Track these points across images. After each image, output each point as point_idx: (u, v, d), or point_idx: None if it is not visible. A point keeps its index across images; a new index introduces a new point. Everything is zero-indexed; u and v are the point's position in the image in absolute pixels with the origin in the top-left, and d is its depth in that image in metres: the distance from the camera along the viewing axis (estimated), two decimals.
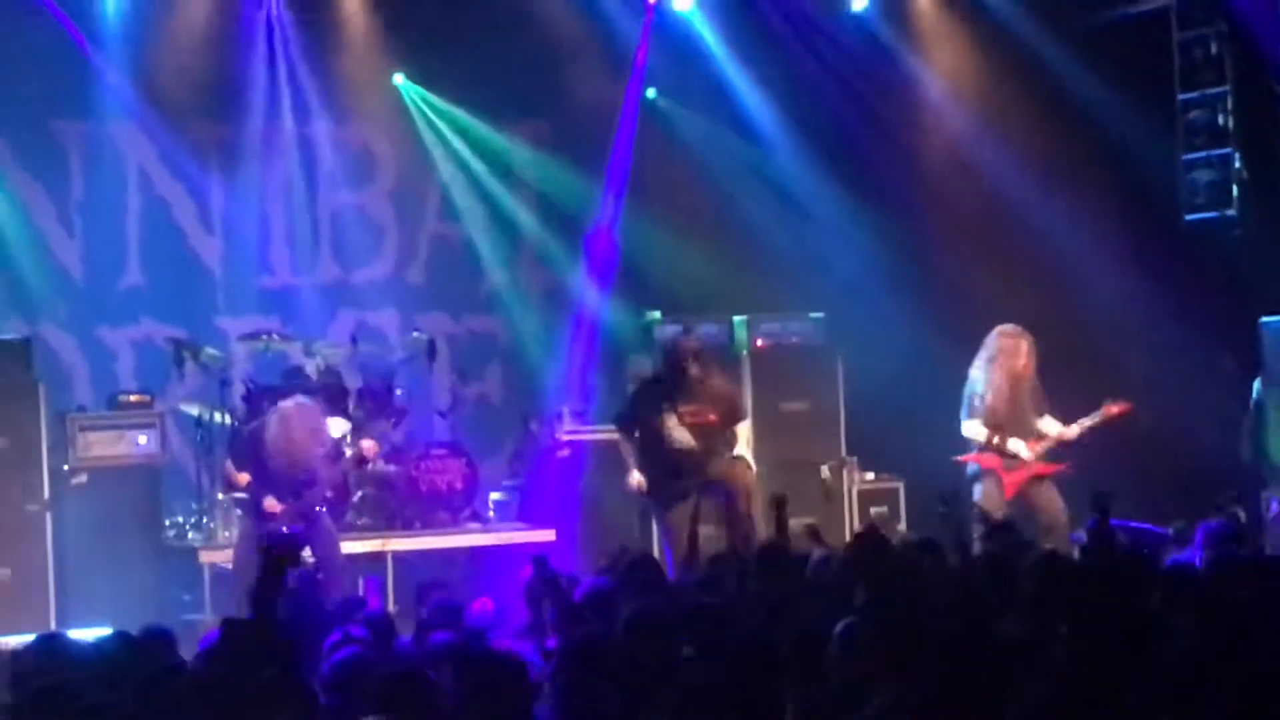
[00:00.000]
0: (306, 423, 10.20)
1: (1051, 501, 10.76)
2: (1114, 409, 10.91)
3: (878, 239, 13.58)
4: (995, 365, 10.94)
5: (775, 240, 13.86)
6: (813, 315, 12.97)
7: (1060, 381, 12.09)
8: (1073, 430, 10.95)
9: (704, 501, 10.57)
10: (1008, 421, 10.88)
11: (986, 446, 10.89)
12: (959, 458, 10.97)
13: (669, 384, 10.66)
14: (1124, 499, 10.74)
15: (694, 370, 10.57)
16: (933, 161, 13.91)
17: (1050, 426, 10.99)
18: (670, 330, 11.98)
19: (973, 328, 12.76)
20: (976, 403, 10.93)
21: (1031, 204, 13.12)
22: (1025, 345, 10.92)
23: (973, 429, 10.95)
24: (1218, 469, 11.50)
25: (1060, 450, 10.96)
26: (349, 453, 11.03)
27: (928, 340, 12.92)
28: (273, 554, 5.99)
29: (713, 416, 10.63)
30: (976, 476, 10.85)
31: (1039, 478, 10.87)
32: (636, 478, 10.59)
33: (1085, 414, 11.02)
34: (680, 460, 10.54)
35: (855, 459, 12.74)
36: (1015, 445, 10.84)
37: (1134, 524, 9.89)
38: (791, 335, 12.89)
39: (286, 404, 10.30)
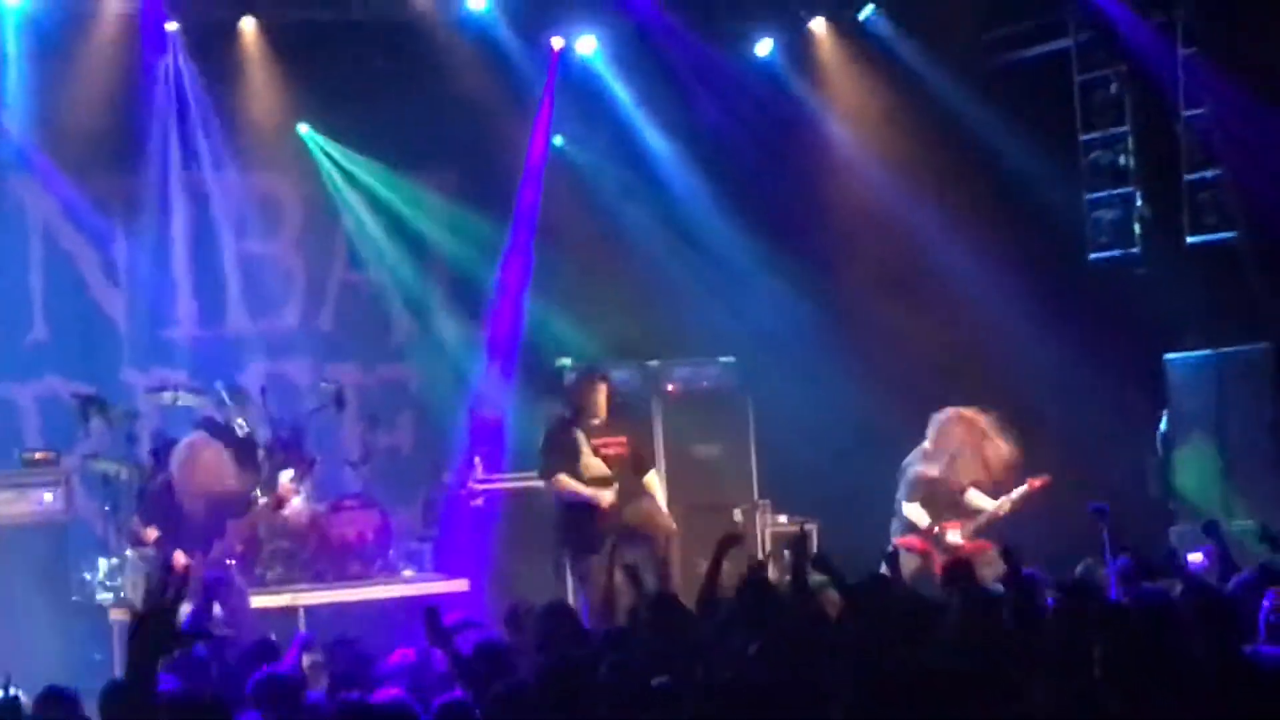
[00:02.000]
0: (210, 453, 10.20)
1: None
2: (1036, 483, 11.07)
3: (787, 283, 13.63)
4: (943, 450, 11.08)
5: (686, 286, 13.87)
6: (723, 360, 13.00)
7: None
8: (1003, 507, 11.06)
9: (622, 551, 10.48)
10: (945, 504, 11.09)
11: (925, 533, 11.01)
12: (899, 540, 10.80)
13: (578, 417, 10.64)
14: (1034, 537, 10.86)
15: (600, 400, 10.60)
16: (840, 205, 13.99)
17: (976, 499, 11.13)
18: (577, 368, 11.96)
19: (882, 370, 12.87)
20: (920, 486, 11.08)
21: (938, 245, 13.24)
22: (986, 423, 11.09)
23: (916, 513, 11.07)
24: (1127, 505, 11.58)
25: (988, 529, 11.07)
26: (260, 501, 10.92)
27: (838, 382, 12.98)
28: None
29: (623, 450, 10.66)
30: (904, 556, 10.58)
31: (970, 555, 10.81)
32: (608, 496, 10.55)
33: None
34: (595, 507, 10.52)
35: (768, 502, 12.76)
36: (953, 535, 10.98)
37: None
38: (702, 380, 12.93)
39: (186, 440, 10.33)
